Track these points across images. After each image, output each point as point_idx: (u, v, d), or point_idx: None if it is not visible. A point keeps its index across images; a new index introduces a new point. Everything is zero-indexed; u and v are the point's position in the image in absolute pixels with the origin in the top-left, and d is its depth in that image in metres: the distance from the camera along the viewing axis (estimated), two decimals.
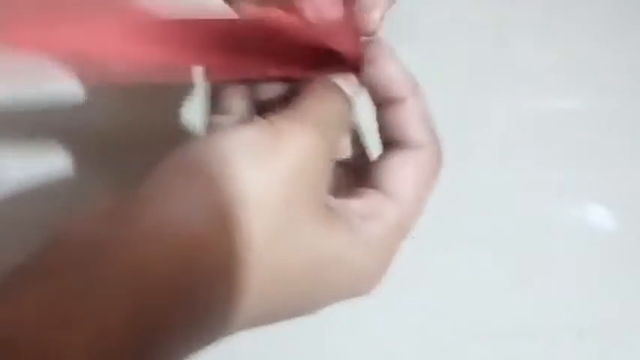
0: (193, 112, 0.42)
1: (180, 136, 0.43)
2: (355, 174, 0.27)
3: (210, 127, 0.26)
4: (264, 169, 0.22)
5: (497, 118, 0.47)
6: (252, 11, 0.24)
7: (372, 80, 0.26)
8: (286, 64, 0.26)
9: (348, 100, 0.26)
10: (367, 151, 0.29)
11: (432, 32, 0.51)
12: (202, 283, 0.20)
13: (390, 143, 0.26)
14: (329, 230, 0.23)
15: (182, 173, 0.22)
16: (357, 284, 0.24)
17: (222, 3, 0.26)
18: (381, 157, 0.26)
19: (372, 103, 0.27)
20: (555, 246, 0.44)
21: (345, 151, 0.27)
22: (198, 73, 0.26)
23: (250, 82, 0.27)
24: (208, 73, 0.26)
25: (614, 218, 0.46)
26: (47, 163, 0.44)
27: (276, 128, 0.22)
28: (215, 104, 0.27)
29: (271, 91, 0.27)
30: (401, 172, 0.25)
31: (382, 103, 0.26)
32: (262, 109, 0.27)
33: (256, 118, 0.24)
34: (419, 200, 0.25)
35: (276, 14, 0.24)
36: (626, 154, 0.48)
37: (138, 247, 0.20)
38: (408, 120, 0.26)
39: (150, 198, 0.21)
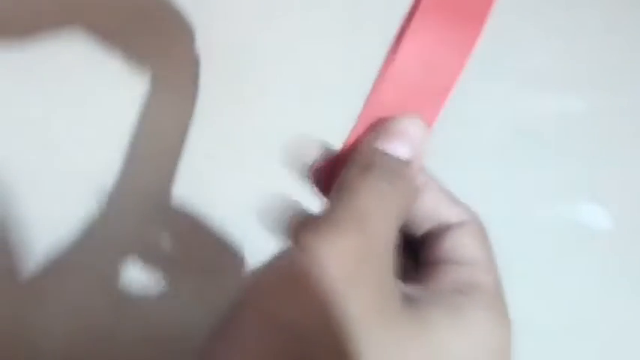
0: None
1: None
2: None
3: None
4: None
5: (494, 118, 0.47)
6: None
7: None
8: None
9: (402, 174, 0.24)
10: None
11: None
12: None
13: (429, 237, 0.25)
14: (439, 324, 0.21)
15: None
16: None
17: None
18: (428, 242, 0.25)
19: None
20: (552, 245, 0.45)
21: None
22: None
23: None
24: None
25: (611, 218, 0.46)
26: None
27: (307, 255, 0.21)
28: None
29: None
30: (465, 241, 0.24)
31: None
32: None
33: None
34: (493, 261, 0.25)
35: None
36: (622, 154, 0.48)
37: None
38: (439, 205, 0.25)
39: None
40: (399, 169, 0.23)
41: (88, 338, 0.41)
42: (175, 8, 0.45)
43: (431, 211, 0.25)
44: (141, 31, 0.46)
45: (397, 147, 0.23)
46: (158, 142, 0.46)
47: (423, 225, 0.26)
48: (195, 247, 0.45)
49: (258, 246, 0.44)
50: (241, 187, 0.45)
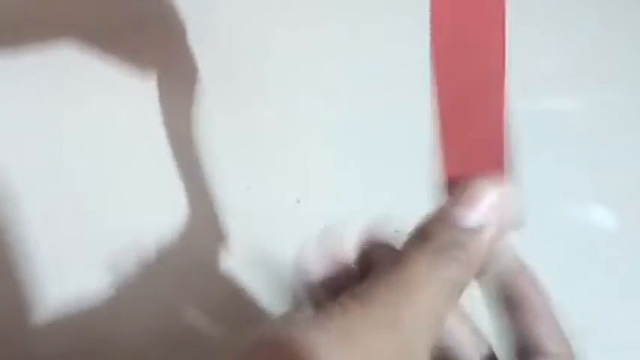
0: None
1: None
2: None
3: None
4: None
5: None
6: None
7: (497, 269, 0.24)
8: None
9: (464, 246, 0.23)
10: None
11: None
12: None
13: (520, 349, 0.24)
14: None
15: None
16: None
17: None
18: None
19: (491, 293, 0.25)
20: (556, 246, 0.44)
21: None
22: None
23: None
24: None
25: (615, 218, 0.46)
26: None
27: (350, 322, 0.20)
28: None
29: None
30: None
31: (504, 298, 0.25)
32: None
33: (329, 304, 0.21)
34: None
35: None
36: (626, 153, 0.48)
37: None
38: (541, 326, 0.24)
39: None
40: (462, 240, 0.22)
41: (87, 339, 0.41)
42: (173, 10, 0.45)
43: (527, 328, 0.24)
44: (139, 35, 0.46)
45: (466, 215, 0.23)
46: (160, 145, 0.46)
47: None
48: (196, 249, 0.45)
49: (259, 249, 0.44)
50: (241, 186, 0.45)
